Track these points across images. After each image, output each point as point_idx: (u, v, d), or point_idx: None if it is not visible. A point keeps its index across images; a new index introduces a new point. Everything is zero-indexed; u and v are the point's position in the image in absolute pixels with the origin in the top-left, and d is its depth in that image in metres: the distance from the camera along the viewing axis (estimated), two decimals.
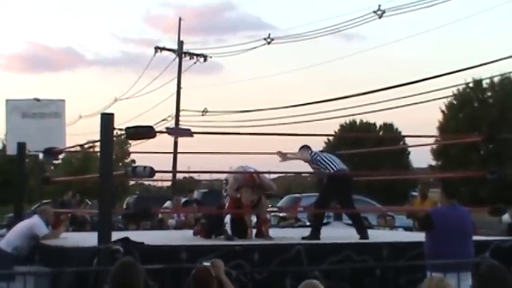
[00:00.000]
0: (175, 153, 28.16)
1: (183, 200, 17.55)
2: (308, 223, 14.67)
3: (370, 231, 10.57)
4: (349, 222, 11.17)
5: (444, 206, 7.86)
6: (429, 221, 7.73)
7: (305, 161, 10.46)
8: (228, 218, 9.95)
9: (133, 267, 5.03)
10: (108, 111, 25.29)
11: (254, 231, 10.25)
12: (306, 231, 10.35)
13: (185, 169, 48.23)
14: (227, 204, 10.25)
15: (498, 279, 5.17)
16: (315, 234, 10.00)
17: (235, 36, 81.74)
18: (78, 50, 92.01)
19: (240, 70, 74.29)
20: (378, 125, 48.01)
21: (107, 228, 7.96)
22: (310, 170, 10.71)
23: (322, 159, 10.28)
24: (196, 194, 16.81)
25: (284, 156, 10.58)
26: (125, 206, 27.22)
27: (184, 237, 10.39)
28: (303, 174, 10.87)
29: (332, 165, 10.19)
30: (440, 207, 8.07)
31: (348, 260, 8.52)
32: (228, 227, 9.86)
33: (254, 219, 10.65)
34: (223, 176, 11.45)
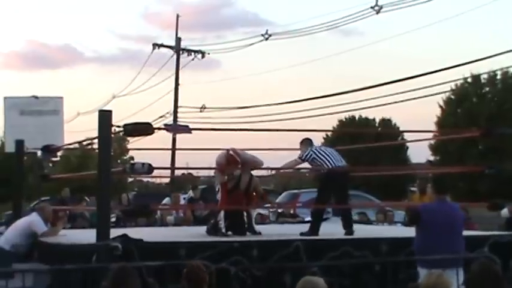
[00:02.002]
0: (173, 149, 28.21)
1: (186, 196, 17.47)
2: (307, 219, 14.68)
3: (369, 227, 10.59)
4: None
5: (434, 201, 7.87)
6: (416, 216, 7.75)
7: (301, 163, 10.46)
8: (221, 215, 9.94)
9: (129, 272, 5.06)
10: (106, 108, 25.19)
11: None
12: (305, 227, 10.35)
13: (183, 166, 48.22)
14: (220, 200, 10.20)
15: (489, 277, 5.18)
16: (314, 230, 10.00)
17: (233, 33, 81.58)
18: (76, 47, 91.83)
19: (238, 66, 74.04)
20: (376, 121, 47.95)
21: (105, 225, 7.95)
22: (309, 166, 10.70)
23: (318, 156, 10.21)
24: (192, 191, 16.64)
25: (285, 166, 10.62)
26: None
27: (183, 233, 10.38)
28: (301, 170, 10.86)
29: (328, 163, 10.16)
30: (429, 203, 8.10)
31: (346, 255, 8.52)
32: (221, 224, 9.86)
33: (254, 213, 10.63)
34: None
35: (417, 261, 7.58)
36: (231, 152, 9.94)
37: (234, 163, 9.94)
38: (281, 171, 11.95)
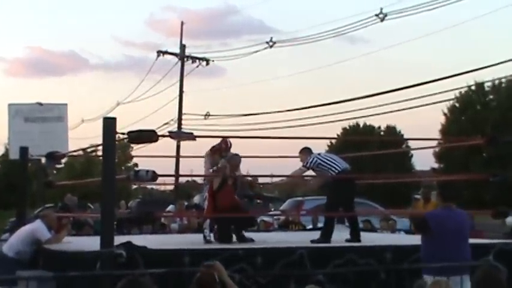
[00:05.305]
0: (177, 157, 28.16)
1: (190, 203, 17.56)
2: (310, 226, 14.65)
3: (373, 234, 10.54)
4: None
5: (440, 208, 7.84)
6: (424, 224, 7.70)
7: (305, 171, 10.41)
8: (207, 222, 9.96)
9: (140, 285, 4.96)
10: (110, 115, 25.25)
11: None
12: (309, 235, 10.31)
13: (188, 173, 48.25)
14: (206, 207, 10.23)
15: (493, 284, 5.16)
16: (325, 237, 9.94)
17: (238, 40, 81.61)
18: (81, 54, 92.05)
19: (243, 74, 74.11)
20: (381, 128, 47.94)
21: (109, 232, 7.93)
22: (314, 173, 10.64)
23: (323, 161, 10.19)
24: (197, 198, 16.69)
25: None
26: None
27: (187, 241, 10.37)
28: (306, 178, 10.84)
29: (335, 166, 10.13)
30: (436, 210, 8.05)
31: (351, 263, 8.49)
32: (206, 232, 9.87)
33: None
34: None
35: (423, 268, 7.54)
36: (226, 139, 10.07)
37: (225, 147, 10.02)
38: (286, 180, 11.88)
